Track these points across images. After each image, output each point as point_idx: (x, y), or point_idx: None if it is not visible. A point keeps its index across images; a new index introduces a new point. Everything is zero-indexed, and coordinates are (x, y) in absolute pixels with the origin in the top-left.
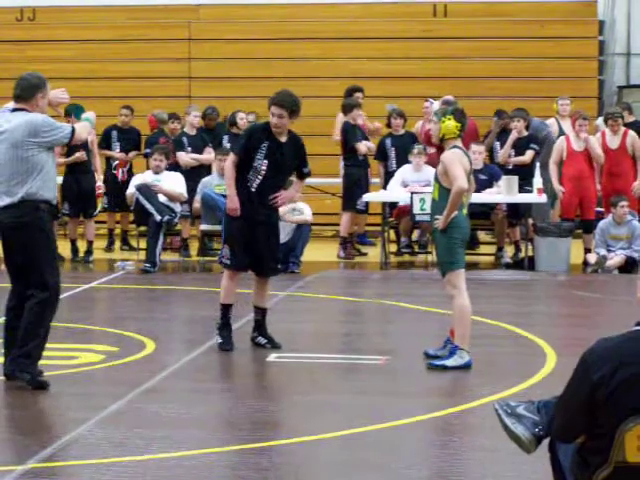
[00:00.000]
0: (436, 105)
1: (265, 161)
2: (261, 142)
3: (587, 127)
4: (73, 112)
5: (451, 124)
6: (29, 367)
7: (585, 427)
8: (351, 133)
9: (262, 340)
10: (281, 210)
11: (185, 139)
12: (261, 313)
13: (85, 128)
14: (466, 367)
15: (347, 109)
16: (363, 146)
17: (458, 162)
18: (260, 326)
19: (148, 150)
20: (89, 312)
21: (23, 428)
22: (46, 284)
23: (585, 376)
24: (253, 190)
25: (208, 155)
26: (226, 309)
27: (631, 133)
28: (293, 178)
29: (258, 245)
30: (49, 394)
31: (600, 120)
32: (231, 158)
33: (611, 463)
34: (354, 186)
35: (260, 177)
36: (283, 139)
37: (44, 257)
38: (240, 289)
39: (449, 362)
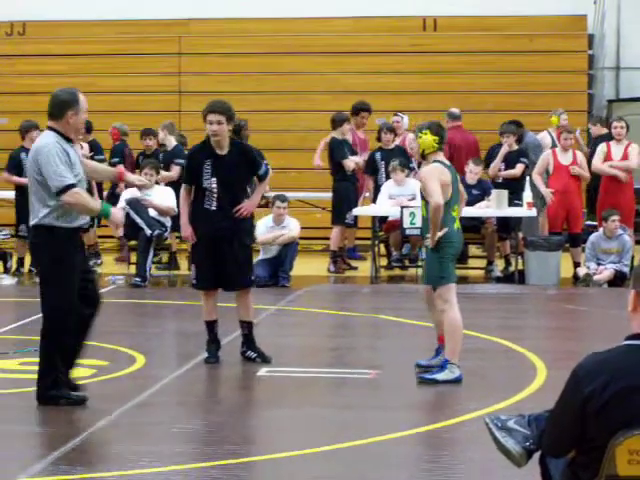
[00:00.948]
0: (406, 120)
1: (213, 179)
2: (203, 162)
3: (572, 141)
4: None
5: (428, 139)
6: (60, 394)
7: (576, 442)
8: (338, 149)
9: (252, 354)
10: (268, 235)
11: (162, 155)
12: (247, 327)
13: (82, 201)
14: (456, 381)
15: (336, 124)
16: (350, 162)
17: (435, 177)
18: (248, 340)
19: (115, 159)
20: None
21: (13, 443)
22: (45, 312)
23: (576, 390)
24: (213, 209)
25: (170, 173)
26: (210, 325)
27: (633, 145)
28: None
29: (225, 261)
30: (39, 409)
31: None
32: (183, 187)
33: (602, 477)
34: (343, 200)
35: (215, 195)
36: (224, 151)
37: (49, 283)
38: (231, 304)
39: (440, 376)
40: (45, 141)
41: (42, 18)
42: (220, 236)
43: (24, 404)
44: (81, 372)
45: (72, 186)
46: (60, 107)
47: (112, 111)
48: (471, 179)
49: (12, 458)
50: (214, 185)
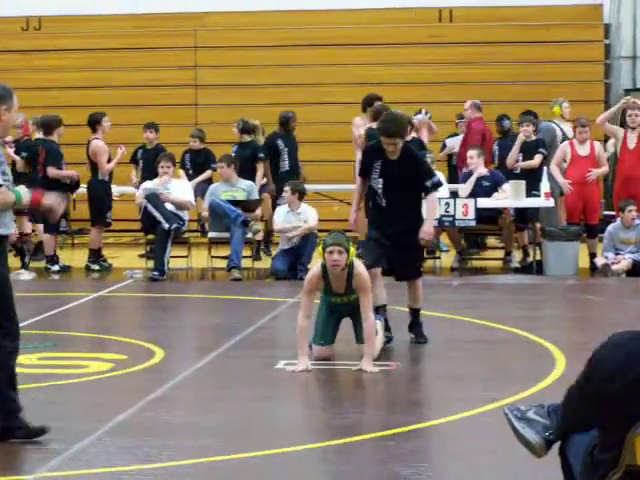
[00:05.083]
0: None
1: (380, 179)
2: (374, 161)
3: (588, 134)
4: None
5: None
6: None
7: (594, 421)
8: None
9: (412, 336)
10: (287, 225)
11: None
12: (414, 313)
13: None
14: None
15: (378, 116)
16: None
17: None
18: (413, 324)
19: (25, 154)
20: (97, 320)
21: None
22: None
23: (596, 373)
24: (384, 205)
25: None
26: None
27: None
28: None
29: (394, 256)
30: (59, 403)
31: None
32: (358, 179)
33: (622, 467)
34: None
35: (381, 196)
36: (395, 157)
37: None
38: (254, 297)
39: None
40: None
41: (57, 13)
42: (388, 237)
43: (42, 399)
44: (100, 366)
45: None
46: None
47: (128, 105)
48: (472, 166)
49: (31, 452)
50: (379, 186)
